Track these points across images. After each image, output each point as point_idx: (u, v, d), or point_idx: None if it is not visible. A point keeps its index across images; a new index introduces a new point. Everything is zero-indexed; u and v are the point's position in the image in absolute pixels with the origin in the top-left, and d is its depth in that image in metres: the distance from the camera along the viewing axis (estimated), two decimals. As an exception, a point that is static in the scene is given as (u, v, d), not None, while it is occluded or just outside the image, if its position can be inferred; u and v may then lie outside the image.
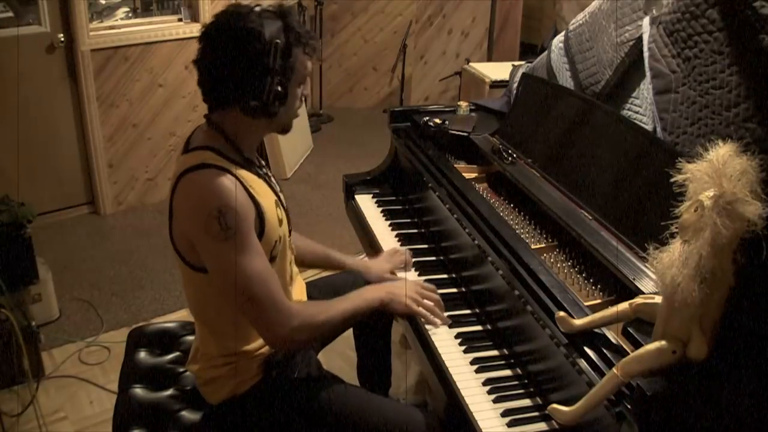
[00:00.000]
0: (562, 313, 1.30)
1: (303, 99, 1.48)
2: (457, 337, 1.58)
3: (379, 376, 2.07)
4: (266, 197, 1.43)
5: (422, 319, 1.59)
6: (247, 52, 1.32)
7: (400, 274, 1.83)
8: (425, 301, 1.61)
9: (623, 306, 1.24)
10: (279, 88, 1.36)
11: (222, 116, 1.41)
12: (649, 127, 1.66)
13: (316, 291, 1.76)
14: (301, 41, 1.39)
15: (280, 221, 1.47)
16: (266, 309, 1.36)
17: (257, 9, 1.37)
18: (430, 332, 1.58)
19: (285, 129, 1.50)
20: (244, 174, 1.38)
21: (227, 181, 1.32)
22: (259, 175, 1.45)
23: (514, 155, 1.94)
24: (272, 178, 1.54)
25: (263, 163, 1.55)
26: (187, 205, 1.34)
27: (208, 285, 1.41)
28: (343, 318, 1.49)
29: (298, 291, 1.64)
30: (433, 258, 1.92)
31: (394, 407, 1.56)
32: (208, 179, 1.32)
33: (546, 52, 2.21)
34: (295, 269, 1.65)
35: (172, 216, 1.39)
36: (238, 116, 1.39)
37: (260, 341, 1.48)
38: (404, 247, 1.95)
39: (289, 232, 1.57)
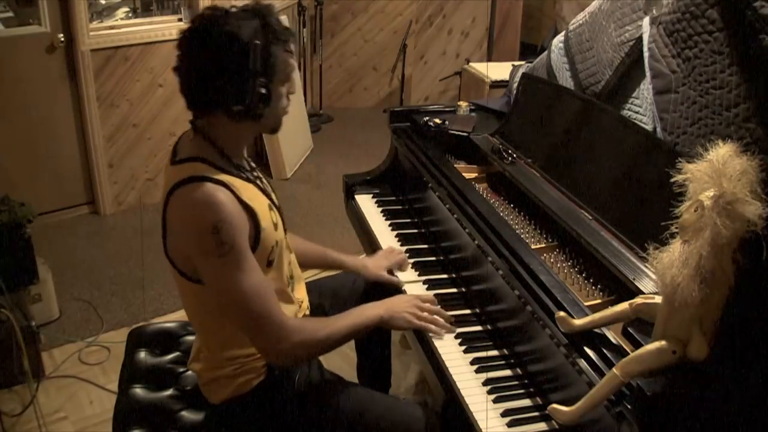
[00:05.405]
0: (562, 313, 1.30)
1: (289, 97, 1.44)
2: (457, 337, 1.58)
3: (379, 376, 2.07)
4: (259, 203, 1.40)
5: (428, 333, 1.57)
6: (227, 56, 1.29)
7: (399, 274, 1.83)
8: (425, 313, 1.57)
9: (623, 306, 1.24)
10: (263, 90, 1.33)
11: (207, 123, 1.38)
12: (649, 127, 1.66)
13: (315, 292, 1.76)
14: (280, 39, 1.35)
15: (275, 225, 1.45)
16: (264, 325, 1.34)
17: (232, 10, 1.33)
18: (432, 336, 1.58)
19: (274, 129, 1.47)
20: (235, 182, 1.36)
21: (221, 194, 1.29)
22: (249, 180, 1.43)
23: (514, 155, 1.94)
24: (263, 180, 1.51)
25: (253, 165, 1.53)
26: (182, 222, 1.32)
27: (206, 295, 1.39)
28: (342, 335, 1.47)
29: (300, 292, 1.64)
30: (433, 258, 1.92)
31: (395, 404, 1.56)
32: (201, 194, 1.28)
33: (546, 52, 2.21)
34: (297, 271, 1.64)
35: (166, 230, 1.36)
36: (223, 121, 1.36)
37: None
38: (402, 248, 1.96)
39: (284, 231, 1.55)
